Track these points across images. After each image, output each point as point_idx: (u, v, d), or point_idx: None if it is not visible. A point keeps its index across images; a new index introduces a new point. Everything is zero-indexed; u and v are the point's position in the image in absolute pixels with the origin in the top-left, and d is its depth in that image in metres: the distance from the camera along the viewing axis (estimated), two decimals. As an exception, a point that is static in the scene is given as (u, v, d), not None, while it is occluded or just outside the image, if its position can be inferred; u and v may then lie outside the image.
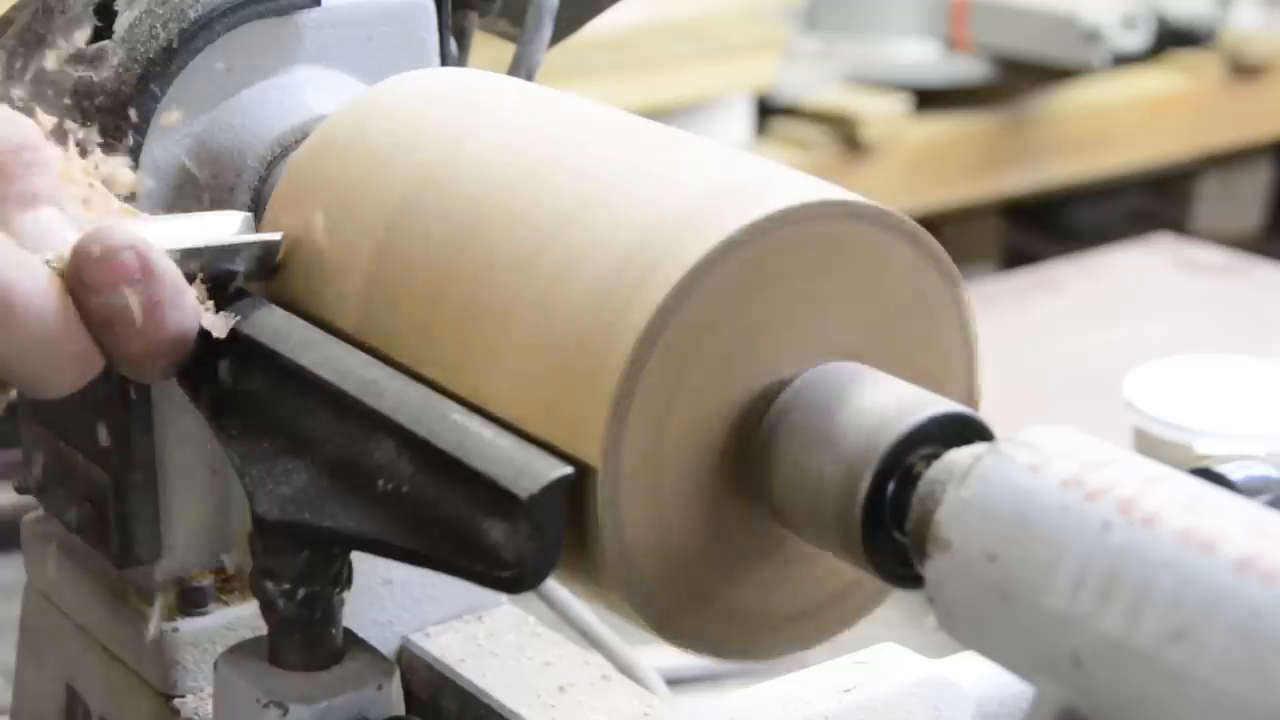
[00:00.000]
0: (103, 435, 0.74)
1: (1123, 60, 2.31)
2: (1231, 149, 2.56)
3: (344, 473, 0.62)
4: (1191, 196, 2.67)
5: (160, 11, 0.73)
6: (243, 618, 0.77)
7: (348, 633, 0.69)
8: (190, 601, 0.77)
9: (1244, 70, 2.47)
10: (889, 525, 0.57)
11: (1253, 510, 0.50)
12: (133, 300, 0.61)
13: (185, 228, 0.67)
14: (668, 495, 0.59)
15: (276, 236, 0.68)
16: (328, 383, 0.63)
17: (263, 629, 0.68)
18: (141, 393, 0.74)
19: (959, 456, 0.55)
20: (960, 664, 0.74)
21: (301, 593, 0.66)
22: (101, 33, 0.73)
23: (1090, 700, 0.50)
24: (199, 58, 0.73)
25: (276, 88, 0.75)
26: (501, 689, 0.76)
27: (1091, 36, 2.19)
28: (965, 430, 0.57)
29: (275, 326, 0.66)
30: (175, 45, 0.72)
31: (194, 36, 0.72)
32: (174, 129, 0.73)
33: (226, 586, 0.78)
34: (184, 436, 0.75)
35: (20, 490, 0.80)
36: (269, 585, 0.66)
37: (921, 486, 0.56)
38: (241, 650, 0.69)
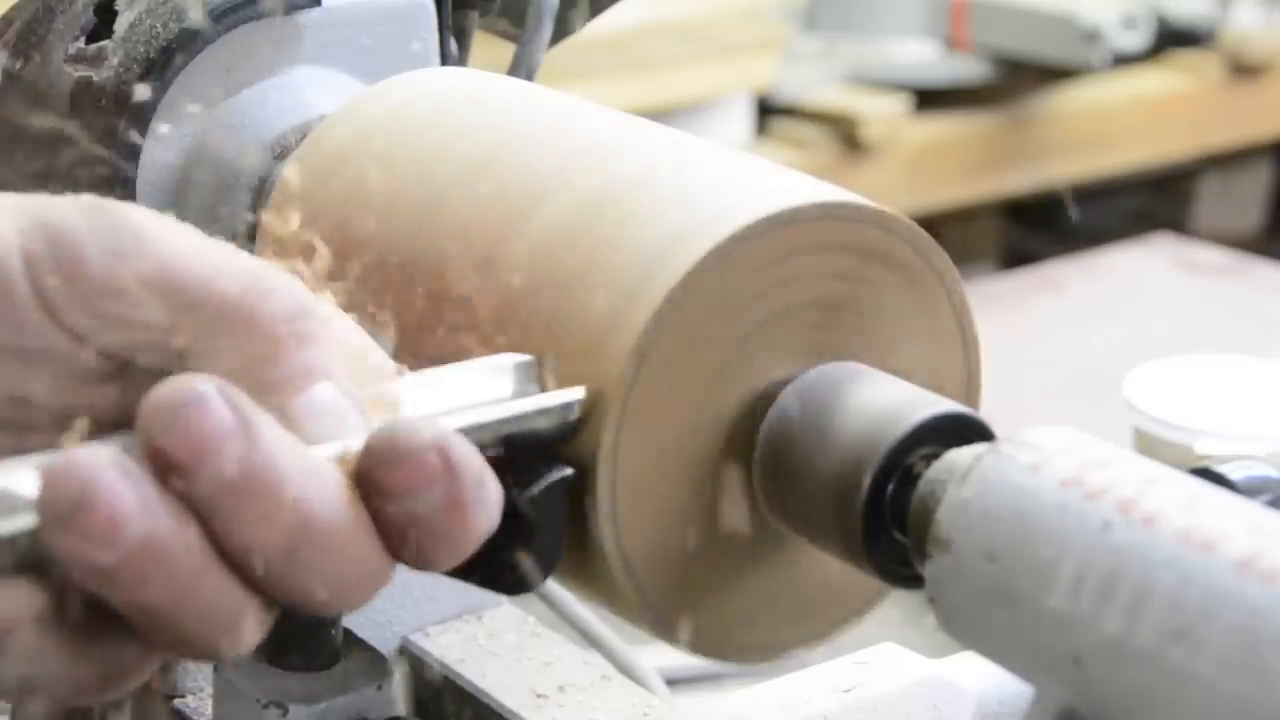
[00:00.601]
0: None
1: (1123, 60, 2.32)
2: (1231, 149, 2.57)
3: (344, 473, 0.62)
4: (1191, 196, 2.67)
5: (160, 11, 0.73)
6: (243, 618, 0.77)
7: (348, 633, 0.69)
8: (190, 601, 0.77)
9: (1244, 70, 2.47)
10: (889, 525, 0.57)
11: (1253, 510, 0.50)
12: (433, 503, 0.52)
13: (452, 386, 0.57)
14: (668, 496, 0.59)
15: (579, 395, 0.57)
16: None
17: (263, 629, 0.68)
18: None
19: (959, 456, 0.55)
20: (960, 664, 0.74)
21: (301, 593, 0.66)
22: (101, 33, 0.73)
23: (1090, 700, 0.50)
24: (199, 58, 0.73)
25: (276, 88, 0.75)
26: (501, 689, 0.76)
27: (1091, 36, 2.19)
28: (965, 430, 0.57)
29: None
30: (175, 45, 0.72)
31: (194, 36, 0.72)
32: (174, 129, 0.73)
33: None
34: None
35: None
36: (269, 585, 0.66)
37: (921, 486, 0.56)
38: (241, 650, 0.69)
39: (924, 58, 2.32)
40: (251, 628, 0.51)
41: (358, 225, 0.67)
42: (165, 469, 0.49)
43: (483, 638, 0.80)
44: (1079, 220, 2.62)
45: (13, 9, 0.76)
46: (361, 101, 0.71)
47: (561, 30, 0.85)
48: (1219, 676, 0.47)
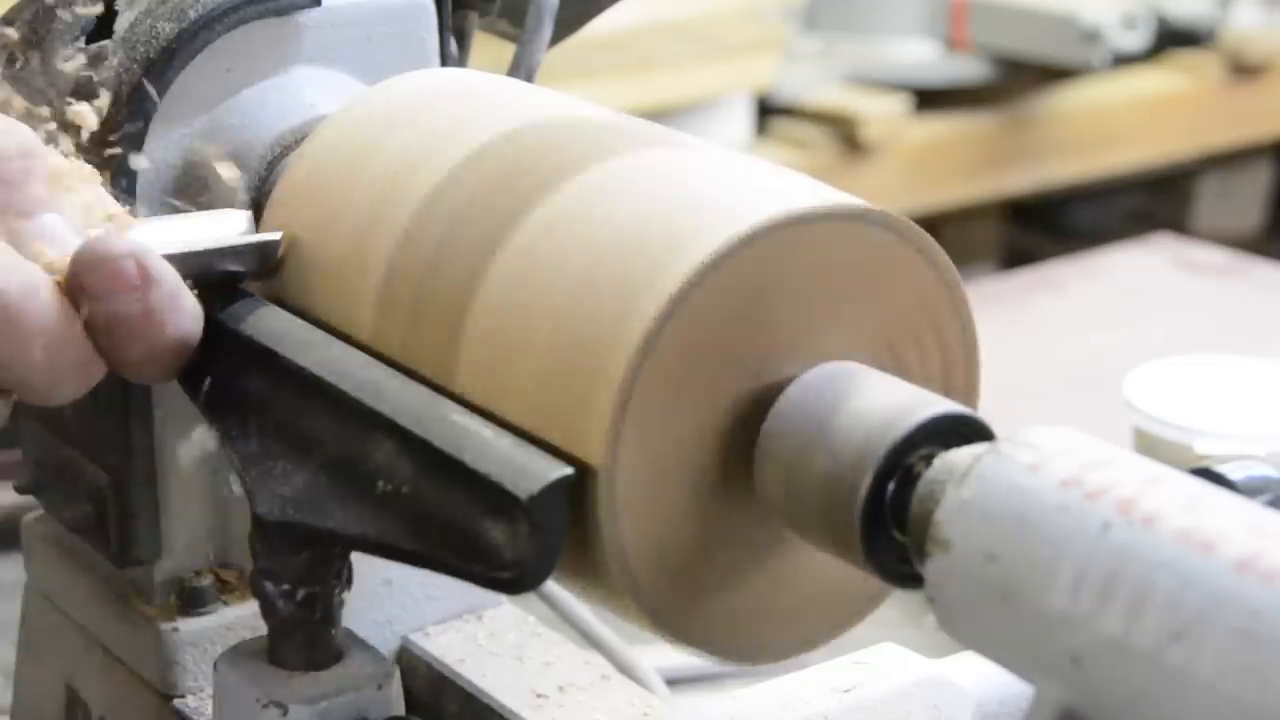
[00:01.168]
0: (102, 435, 0.74)
1: (1123, 60, 2.31)
2: (1231, 149, 2.56)
3: (344, 473, 0.62)
4: (1191, 196, 2.67)
5: (160, 11, 0.73)
6: (243, 618, 0.77)
7: (348, 633, 0.69)
8: (190, 601, 0.77)
9: (1244, 70, 2.47)
10: (889, 525, 0.57)
11: (1253, 510, 0.50)
12: (132, 306, 0.61)
13: (183, 229, 0.67)
14: (668, 495, 0.59)
15: (275, 236, 0.68)
16: (328, 383, 0.63)
17: (263, 629, 0.68)
18: (141, 393, 0.74)
19: (959, 456, 0.55)
20: (960, 664, 0.74)
21: (301, 593, 0.66)
22: (101, 33, 0.73)
23: (1090, 700, 0.50)
24: (199, 58, 0.73)
25: (276, 88, 0.75)
26: (501, 689, 0.76)
27: (1091, 36, 2.19)
28: (965, 430, 0.57)
29: (275, 327, 0.66)
30: (175, 45, 0.72)
31: (194, 36, 0.72)
32: (174, 129, 0.73)
33: (227, 586, 0.78)
34: (184, 436, 0.75)
35: (20, 490, 0.80)
36: (269, 585, 0.66)
37: (921, 486, 0.56)
38: (241, 650, 0.69)
39: (924, 58, 2.32)
40: None
41: (356, 225, 0.67)
42: None
43: (483, 638, 0.80)
44: (1079, 220, 2.62)
45: (13, 9, 0.76)
46: (361, 101, 0.71)
47: (561, 30, 0.85)
48: (1219, 677, 0.47)
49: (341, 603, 0.67)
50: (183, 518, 0.77)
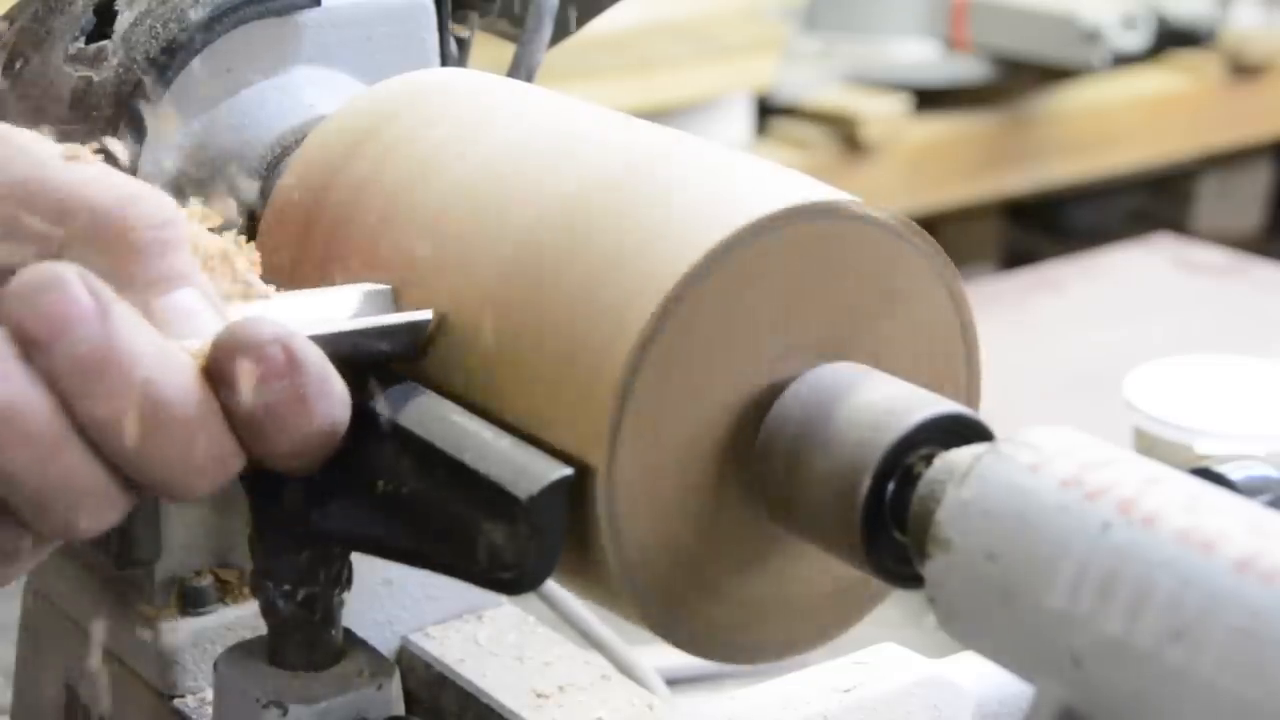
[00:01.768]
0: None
1: (1123, 60, 2.31)
2: (1231, 149, 2.56)
3: (344, 473, 0.62)
4: (1191, 196, 2.67)
5: (160, 11, 0.73)
6: (243, 618, 0.77)
7: (348, 633, 0.69)
8: (190, 601, 0.77)
9: (1244, 70, 2.47)
10: (889, 525, 0.57)
11: (1253, 510, 0.50)
12: (279, 394, 0.56)
13: (316, 304, 0.63)
14: (668, 496, 0.59)
15: (426, 315, 0.62)
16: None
17: (263, 629, 0.68)
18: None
19: (959, 456, 0.55)
20: (960, 664, 0.74)
21: (301, 593, 0.66)
22: (101, 33, 0.73)
23: (1090, 700, 0.50)
24: (199, 58, 0.73)
25: (276, 88, 0.75)
26: (501, 689, 0.76)
27: (1091, 36, 2.19)
28: (965, 430, 0.57)
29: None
30: (175, 45, 0.72)
31: (194, 37, 0.72)
32: (173, 129, 0.73)
33: (227, 587, 0.78)
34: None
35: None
36: (269, 585, 0.66)
37: (921, 486, 0.56)
38: (241, 650, 0.69)
39: (924, 58, 2.32)
40: (109, 506, 0.55)
41: (356, 225, 0.67)
42: (26, 345, 0.53)
43: (483, 638, 0.80)
44: (1079, 220, 2.62)
45: (13, 9, 0.76)
46: (361, 102, 0.71)
47: (561, 30, 0.85)
48: (1219, 676, 0.47)
49: (341, 603, 0.67)
50: (182, 518, 0.77)
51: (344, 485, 0.61)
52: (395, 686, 0.69)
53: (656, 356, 0.57)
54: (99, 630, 0.80)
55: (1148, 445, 1.11)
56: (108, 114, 0.72)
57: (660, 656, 0.90)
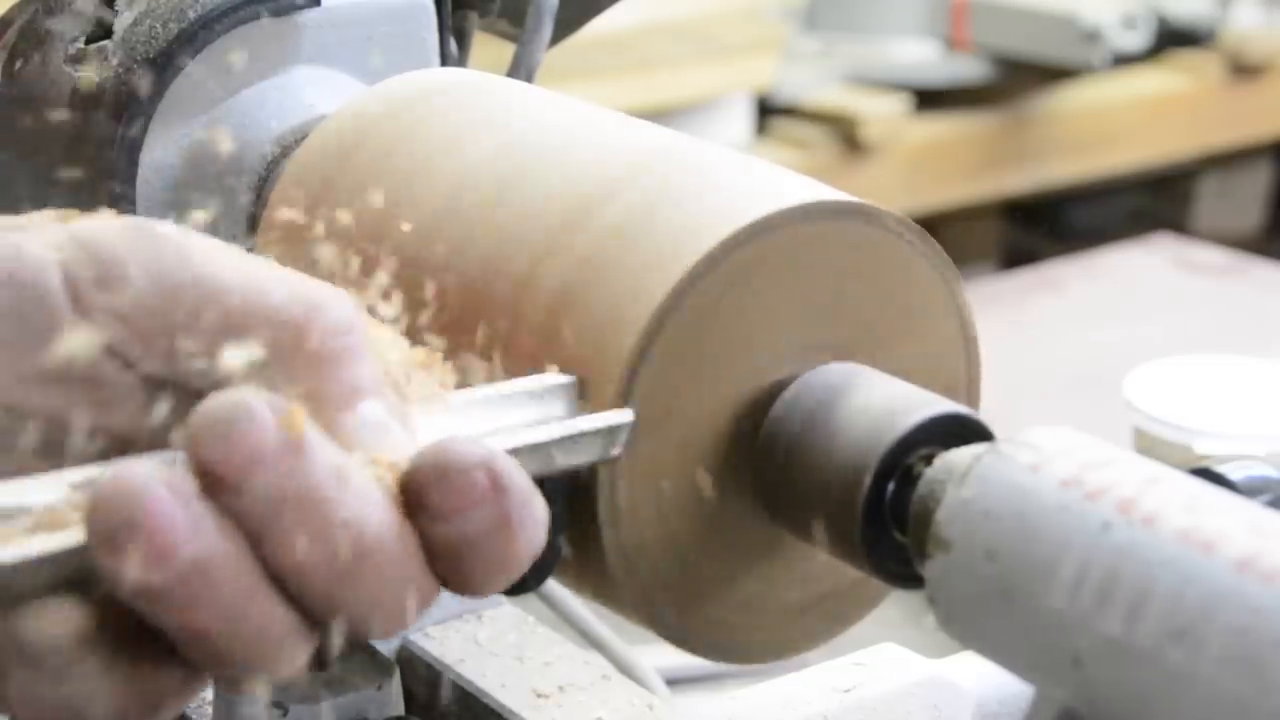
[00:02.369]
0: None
1: (1123, 60, 2.32)
2: (1231, 149, 2.57)
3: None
4: (1191, 196, 2.67)
5: (160, 11, 0.73)
6: (243, 618, 0.77)
7: (348, 633, 0.69)
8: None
9: (1244, 70, 2.47)
10: (889, 525, 0.57)
11: (1253, 510, 0.50)
12: (482, 523, 0.50)
13: (496, 406, 0.57)
14: (668, 495, 0.59)
15: (626, 418, 0.57)
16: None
17: (263, 629, 0.68)
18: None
19: (959, 456, 0.55)
20: (960, 664, 0.74)
21: (301, 593, 0.66)
22: (101, 32, 0.73)
23: (1090, 700, 0.50)
24: (198, 58, 0.73)
25: (276, 88, 0.75)
26: (501, 689, 0.76)
27: (1091, 36, 2.19)
28: (965, 430, 0.57)
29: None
30: (175, 45, 0.72)
31: (194, 36, 0.72)
32: (174, 129, 0.73)
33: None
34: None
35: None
36: (269, 585, 0.66)
37: (921, 486, 0.56)
38: (241, 650, 0.69)
39: (924, 58, 2.32)
40: (300, 650, 0.50)
41: (356, 226, 0.67)
42: (214, 486, 0.48)
43: (483, 638, 0.80)
44: (1079, 220, 2.62)
45: (13, 9, 0.76)
46: (361, 102, 0.71)
47: (561, 30, 0.85)
48: (1219, 676, 0.47)
49: (341, 603, 0.67)
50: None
51: None
52: (395, 686, 0.69)
53: (656, 357, 0.57)
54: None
55: (1148, 445, 1.11)
56: (108, 115, 0.72)
57: (660, 656, 0.90)
